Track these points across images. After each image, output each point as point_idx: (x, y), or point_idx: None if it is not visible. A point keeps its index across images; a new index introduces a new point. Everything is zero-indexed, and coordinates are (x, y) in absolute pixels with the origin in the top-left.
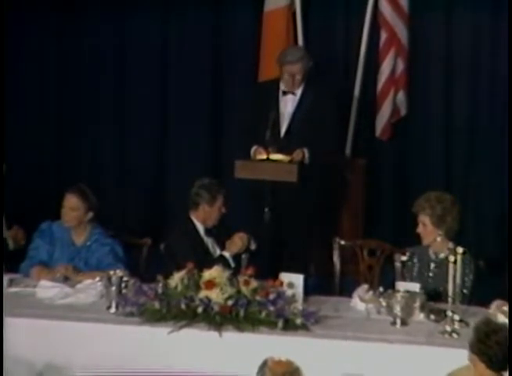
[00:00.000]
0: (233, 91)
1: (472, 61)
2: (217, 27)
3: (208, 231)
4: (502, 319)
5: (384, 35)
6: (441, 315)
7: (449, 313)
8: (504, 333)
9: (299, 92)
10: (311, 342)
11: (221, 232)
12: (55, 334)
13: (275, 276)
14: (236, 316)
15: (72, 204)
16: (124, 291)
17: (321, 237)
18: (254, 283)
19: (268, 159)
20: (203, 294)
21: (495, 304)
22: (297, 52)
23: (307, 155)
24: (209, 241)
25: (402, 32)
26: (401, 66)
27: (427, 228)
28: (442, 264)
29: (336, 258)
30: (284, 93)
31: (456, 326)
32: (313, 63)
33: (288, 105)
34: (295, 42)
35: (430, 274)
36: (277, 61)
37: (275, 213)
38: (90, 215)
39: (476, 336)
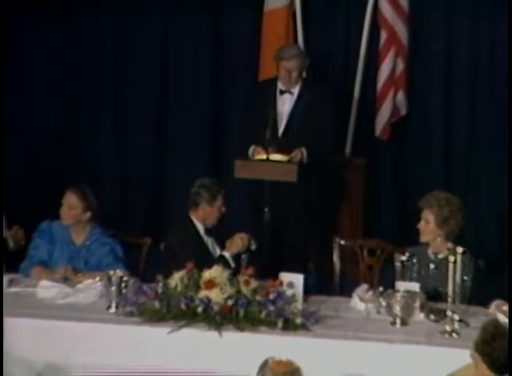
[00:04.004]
0: (233, 91)
1: (472, 61)
2: (217, 26)
3: (208, 231)
4: (502, 318)
5: (383, 35)
6: (440, 315)
7: (449, 313)
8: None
9: (296, 91)
10: (311, 342)
11: (221, 232)
12: (55, 334)
13: (275, 276)
14: (235, 316)
15: (70, 203)
16: (124, 290)
17: (321, 237)
18: (253, 283)
19: (267, 159)
20: (203, 293)
21: (494, 304)
22: (294, 49)
23: (305, 154)
24: (209, 241)
25: (401, 32)
26: (401, 66)
27: (429, 226)
28: (442, 264)
29: (336, 258)
30: (282, 92)
31: (456, 326)
32: (310, 61)
33: (286, 104)
34: (295, 42)
35: (430, 274)
36: (274, 57)
37: (274, 213)
38: (88, 214)
39: (482, 336)
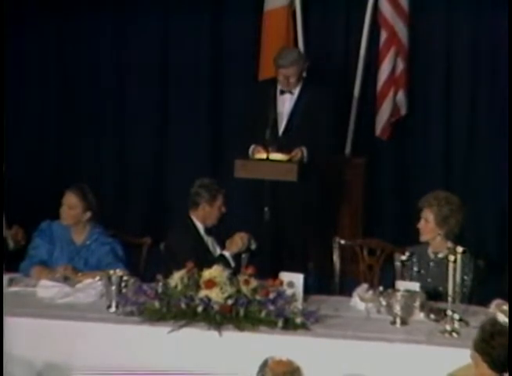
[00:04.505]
0: (233, 90)
1: (472, 61)
2: (217, 26)
3: (208, 230)
4: (502, 318)
5: (383, 35)
6: (440, 314)
7: (449, 312)
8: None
9: (296, 91)
10: (311, 342)
11: (221, 231)
12: (55, 333)
13: (275, 276)
14: (236, 316)
15: (70, 203)
16: (124, 290)
17: (320, 237)
18: (254, 283)
19: (267, 158)
20: (203, 293)
21: (494, 303)
22: (291, 56)
23: (305, 154)
24: (209, 241)
25: (402, 31)
26: (401, 65)
27: (429, 225)
28: (442, 263)
29: (336, 258)
30: (282, 92)
31: (456, 325)
32: (310, 62)
33: (286, 104)
34: (295, 42)
35: (430, 273)
36: (273, 61)
37: (274, 212)
38: (88, 214)
39: (481, 335)
